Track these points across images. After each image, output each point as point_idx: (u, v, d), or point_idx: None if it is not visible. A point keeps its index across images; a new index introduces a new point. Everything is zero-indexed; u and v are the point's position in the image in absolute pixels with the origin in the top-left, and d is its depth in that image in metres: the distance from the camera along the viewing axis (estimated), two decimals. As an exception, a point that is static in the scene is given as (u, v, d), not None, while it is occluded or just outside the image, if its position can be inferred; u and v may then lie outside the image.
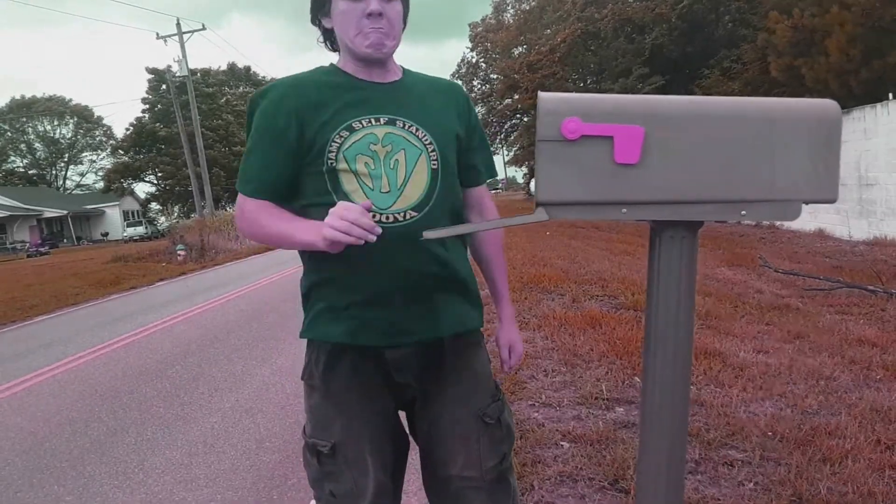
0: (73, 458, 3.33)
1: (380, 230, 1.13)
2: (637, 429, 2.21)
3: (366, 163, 1.26)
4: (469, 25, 37.20)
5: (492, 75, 35.57)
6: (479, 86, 36.36)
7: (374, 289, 1.28)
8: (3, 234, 38.97)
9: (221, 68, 51.12)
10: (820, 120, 0.88)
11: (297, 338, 1.41)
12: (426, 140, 1.31)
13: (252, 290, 9.64)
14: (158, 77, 43.36)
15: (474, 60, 36.77)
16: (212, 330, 6.59)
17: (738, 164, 0.89)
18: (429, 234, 1.02)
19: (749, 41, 16.08)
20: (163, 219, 48.14)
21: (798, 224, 11.31)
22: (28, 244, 34.70)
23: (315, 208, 1.26)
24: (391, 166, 1.27)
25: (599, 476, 2.41)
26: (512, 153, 38.84)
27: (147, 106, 46.58)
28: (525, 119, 31.80)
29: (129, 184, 49.41)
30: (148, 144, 46.02)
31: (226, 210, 37.28)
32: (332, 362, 1.34)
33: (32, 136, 53.59)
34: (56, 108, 53.10)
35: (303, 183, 1.31)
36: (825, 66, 11.39)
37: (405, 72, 1.41)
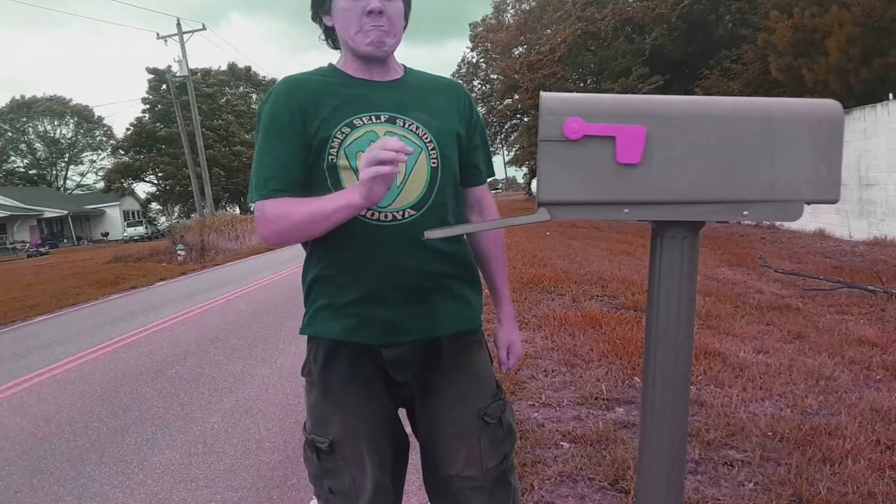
0: (73, 458, 3.33)
1: (410, 150, 1.12)
2: (637, 429, 2.21)
3: None
4: (469, 25, 37.22)
5: (492, 75, 35.57)
6: (480, 86, 36.36)
7: (373, 287, 1.28)
8: (3, 234, 38.97)
9: (221, 68, 51.16)
10: (822, 120, 0.88)
11: (296, 338, 1.41)
12: (426, 138, 1.31)
13: (252, 291, 9.64)
14: (158, 77, 43.37)
15: (474, 60, 36.78)
16: (212, 330, 6.58)
17: (739, 165, 0.89)
18: (430, 234, 1.02)
19: (749, 41, 16.08)
20: (163, 219, 48.26)
21: (798, 224, 11.30)
22: (28, 244, 34.68)
23: None
24: None
25: (599, 476, 2.41)
26: (512, 153, 38.85)
27: (147, 106, 46.58)
28: (525, 119, 31.81)
29: (129, 184, 49.46)
30: (148, 144, 46.03)
31: (226, 210, 37.27)
32: (329, 359, 1.34)
33: (33, 136, 53.61)
34: (56, 108, 53.08)
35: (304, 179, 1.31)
36: (825, 67, 11.39)
37: (407, 70, 1.41)
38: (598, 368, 3.71)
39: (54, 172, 55.61)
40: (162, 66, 42.37)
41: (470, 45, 36.91)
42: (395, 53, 1.37)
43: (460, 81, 1.64)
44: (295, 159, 1.28)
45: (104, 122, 57.36)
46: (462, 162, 1.40)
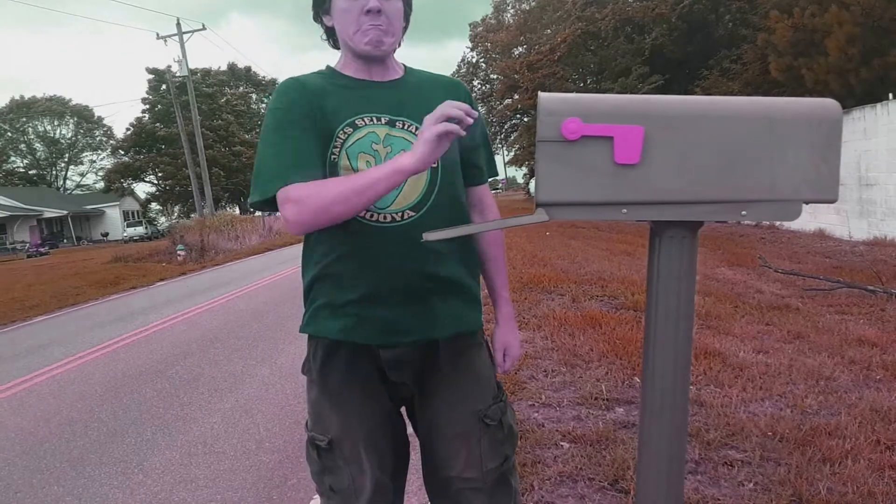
0: (73, 458, 3.33)
1: (476, 114, 1.09)
2: (637, 429, 2.21)
3: (367, 161, 1.27)
4: (469, 25, 37.22)
5: (492, 75, 35.56)
6: (479, 86, 36.35)
7: (372, 287, 1.28)
8: (3, 234, 38.97)
9: (221, 68, 51.18)
10: (820, 119, 0.88)
11: (296, 338, 1.42)
12: None
13: (252, 291, 9.64)
14: (158, 77, 43.38)
15: (474, 60, 36.78)
16: (212, 330, 6.58)
17: (738, 164, 0.89)
18: (429, 236, 1.01)
19: (749, 41, 16.09)
20: (163, 219, 48.25)
21: (798, 224, 11.31)
22: (28, 244, 34.68)
23: None
24: None
25: (599, 476, 2.41)
26: (512, 153, 38.81)
27: (147, 106, 46.61)
28: (525, 119, 31.80)
29: (129, 184, 49.48)
30: (148, 144, 46.06)
31: (226, 210, 37.25)
32: (328, 358, 1.35)
33: (32, 136, 53.57)
34: (56, 108, 53.07)
35: None
36: (825, 66, 11.39)
37: (407, 70, 1.41)
38: (598, 368, 3.71)
39: (54, 172, 55.61)
40: (162, 67, 42.43)
41: (470, 45, 36.95)
42: (396, 53, 1.37)
43: (460, 80, 1.62)
44: (314, 149, 1.25)
45: (104, 122, 57.43)
46: (463, 161, 1.40)
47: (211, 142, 40.53)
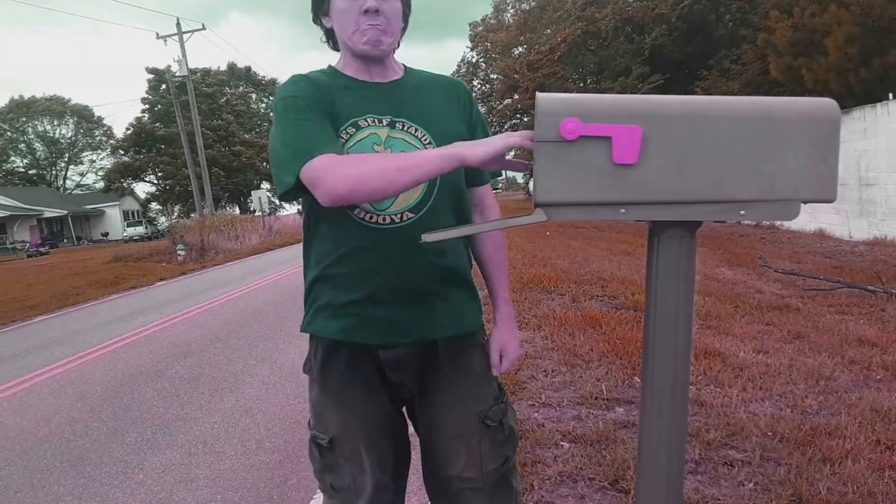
0: (73, 458, 3.33)
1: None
2: (637, 429, 2.21)
3: None
4: (469, 25, 37.22)
5: (492, 75, 35.55)
6: (479, 86, 36.32)
7: (372, 288, 1.29)
8: (3, 234, 38.97)
9: (221, 68, 51.15)
10: (819, 119, 0.88)
11: (296, 338, 1.42)
12: (425, 140, 1.31)
13: (252, 290, 9.65)
14: (158, 77, 43.37)
15: (474, 60, 36.77)
16: (212, 330, 6.59)
17: (736, 164, 0.88)
18: (428, 237, 1.01)
19: (749, 41, 16.09)
20: (163, 219, 48.22)
21: (798, 224, 11.30)
22: (28, 244, 34.68)
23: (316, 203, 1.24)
24: None
25: (599, 476, 2.41)
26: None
27: (147, 106, 46.59)
28: (525, 119, 31.76)
29: (129, 184, 49.46)
30: (148, 144, 46.04)
31: (226, 210, 37.27)
32: (328, 358, 1.35)
33: (32, 136, 53.55)
34: (56, 108, 53.05)
35: None
36: (825, 66, 11.39)
37: (407, 70, 1.41)
38: (598, 368, 3.71)
39: (54, 172, 55.60)
40: (161, 66, 42.35)
41: (470, 44, 36.94)
42: (395, 54, 1.37)
43: (460, 80, 1.61)
44: (332, 131, 1.23)
45: (104, 122, 57.39)
46: None
47: (211, 142, 40.51)
